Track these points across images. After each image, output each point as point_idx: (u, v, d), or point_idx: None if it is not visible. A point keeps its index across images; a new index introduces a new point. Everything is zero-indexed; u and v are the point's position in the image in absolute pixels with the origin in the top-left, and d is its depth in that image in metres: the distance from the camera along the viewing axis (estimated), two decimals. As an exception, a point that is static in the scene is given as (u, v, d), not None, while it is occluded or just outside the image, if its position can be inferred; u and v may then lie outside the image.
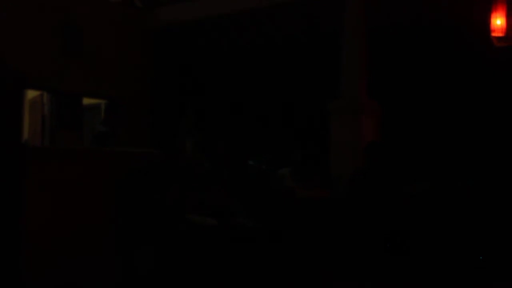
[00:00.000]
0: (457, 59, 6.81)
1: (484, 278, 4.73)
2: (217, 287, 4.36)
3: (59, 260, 4.05)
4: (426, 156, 6.70)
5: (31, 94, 8.35)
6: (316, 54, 7.88)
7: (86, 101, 8.87)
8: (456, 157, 6.55)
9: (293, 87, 8.09)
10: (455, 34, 6.70)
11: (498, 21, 5.71)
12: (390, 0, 6.93)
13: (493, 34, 5.75)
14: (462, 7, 6.50)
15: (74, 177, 4.21)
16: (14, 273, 3.66)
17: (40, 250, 3.95)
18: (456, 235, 5.01)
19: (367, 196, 5.25)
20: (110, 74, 8.79)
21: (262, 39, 8.51)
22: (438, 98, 6.95)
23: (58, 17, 8.11)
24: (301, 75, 8.05)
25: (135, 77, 9.16)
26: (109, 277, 4.35)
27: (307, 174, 5.99)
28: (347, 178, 5.75)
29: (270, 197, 5.16)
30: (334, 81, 6.90)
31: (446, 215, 5.13)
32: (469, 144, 6.59)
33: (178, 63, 9.20)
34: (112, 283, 4.37)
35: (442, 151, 6.70)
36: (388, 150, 5.75)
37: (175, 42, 9.24)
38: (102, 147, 6.07)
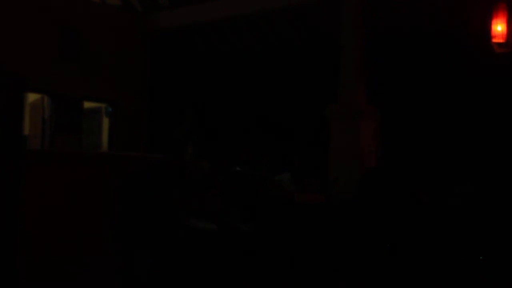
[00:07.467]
0: (457, 64, 6.81)
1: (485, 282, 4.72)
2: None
3: (58, 262, 4.05)
4: (425, 162, 6.69)
5: (32, 97, 8.37)
6: (315, 59, 7.89)
7: (87, 104, 8.89)
8: (455, 162, 6.54)
9: (292, 91, 8.10)
10: (455, 39, 6.70)
11: (498, 27, 5.71)
12: (389, 6, 6.95)
13: (494, 40, 5.74)
14: (462, 13, 6.51)
15: (73, 180, 4.21)
16: (11, 274, 3.66)
17: (39, 252, 3.95)
18: (456, 243, 5.00)
19: (381, 198, 5.22)
20: (109, 78, 8.83)
21: (261, 43, 8.53)
22: (437, 103, 6.94)
23: (57, 21, 8.15)
24: (300, 80, 8.05)
25: (135, 81, 9.21)
26: (108, 279, 4.35)
27: (306, 178, 5.98)
28: (343, 182, 5.78)
29: (268, 202, 5.16)
30: (333, 86, 6.90)
31: (447, 222, 5.12)
32: (468, 150, 6.59)
33: (177, 67, 9.22)
34: (111, 285, 4.37)
35: (441, 157, 6.70)
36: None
37: (174, 46, 9.27)
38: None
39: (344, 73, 6.81)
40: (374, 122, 6.82)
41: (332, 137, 6.79)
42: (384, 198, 5.22)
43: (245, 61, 8.66)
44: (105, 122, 9.34)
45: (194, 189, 4.75)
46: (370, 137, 6.68)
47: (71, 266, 4.12)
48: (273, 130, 8.11)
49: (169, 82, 9.21)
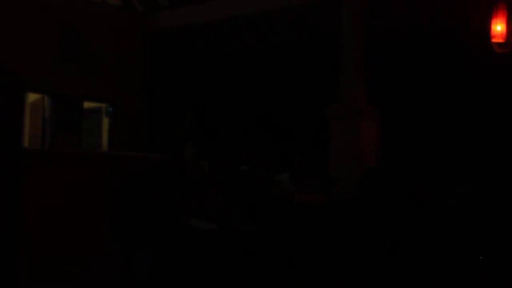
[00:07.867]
0: (457, 64, 6.82)
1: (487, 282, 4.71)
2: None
3: (58, 262, 4.05)
4: (425, 162, 6.69)
5: (32, 97, 8.38)
6: (315, 59, 7.89)
7: (87, 104, 8.89)
8: (455, 162, 6.54)
9: (292, 91, 8.10)
10: (455, 39, 6.71)
11: (498, 27, 5.71)
12: (389, 6, 6.95)
13: (494, 40, 5.74)
14: (462, 13, 6.51)
15: (73, 180, 4.21)
16: (11, 274, 3.66)
17: (39, 252, 3.95)
18: (456, 243, 4.99)
19: (381, 198, 5.22)
20: (109, 78, 8.83)
21: (261, 43, 8.53)
22: (437, 103, 6.95)
23: (57, 21, 8.15)
24: (300, 80, 8.06)
25: (135, 81, 9.21)
26: (108, 279, 4.35)
27: (306, 178, 5.98)
28: (343, 182, 5.77)
29: (268, 202, 5.16)
30: (333, 86, 6.91)
31: (447, 222, 5.12)
32: (467, 150, 6.59)
33: (177, 67, 9.22)
34: (111, 285, 4.36)
35: (441, 157, 6.70)
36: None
37: (174, 46, 9.27)
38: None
39: (344, 73, 6.81)
40: (374, 122, 6.82)
41: (332, 137, 6.79)
42: (384, 198, 5.21)
43: (245, 61, 8.66)
44: (105, 122, 9.34)
45: (194, 189, 4.75)
46: (370, 137, 6.68)
47: (71, 266, 4.12)
48: (273, 130, 8.11)
49: (169, 82, 9.21)
